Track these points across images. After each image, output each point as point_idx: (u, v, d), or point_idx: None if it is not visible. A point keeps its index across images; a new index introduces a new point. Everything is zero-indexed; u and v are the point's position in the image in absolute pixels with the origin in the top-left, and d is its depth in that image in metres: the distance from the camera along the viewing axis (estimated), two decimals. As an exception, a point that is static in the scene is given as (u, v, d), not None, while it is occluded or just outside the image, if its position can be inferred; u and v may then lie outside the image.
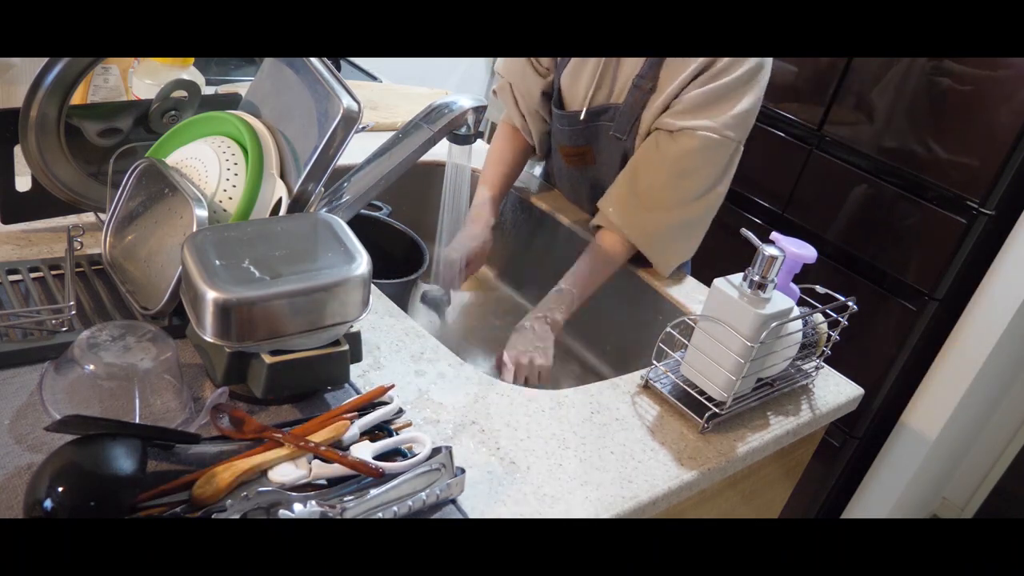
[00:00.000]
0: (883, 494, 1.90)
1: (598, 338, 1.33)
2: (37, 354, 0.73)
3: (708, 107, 1.09)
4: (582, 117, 1.19)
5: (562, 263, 1.19)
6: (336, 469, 0.66)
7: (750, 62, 1.08)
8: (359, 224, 1.00)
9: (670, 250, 1.19)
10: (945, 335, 1.72)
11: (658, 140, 1.12)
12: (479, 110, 1.05)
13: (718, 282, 0.87)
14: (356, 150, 0.92)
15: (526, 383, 1.05)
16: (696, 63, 1.09)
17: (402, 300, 1.14)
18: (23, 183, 0.89)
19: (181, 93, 0.93)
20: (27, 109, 0.83)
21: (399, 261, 1.19)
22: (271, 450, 0.66)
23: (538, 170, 1.56)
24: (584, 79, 1.20)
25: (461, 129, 1.05)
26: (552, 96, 1.27)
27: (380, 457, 0.68)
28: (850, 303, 0.97)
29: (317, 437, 0.68)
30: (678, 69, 1.10)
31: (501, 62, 1.34)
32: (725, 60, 1.08)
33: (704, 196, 1.14)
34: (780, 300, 0.86)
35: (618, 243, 1.18)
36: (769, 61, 1.12)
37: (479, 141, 1.46)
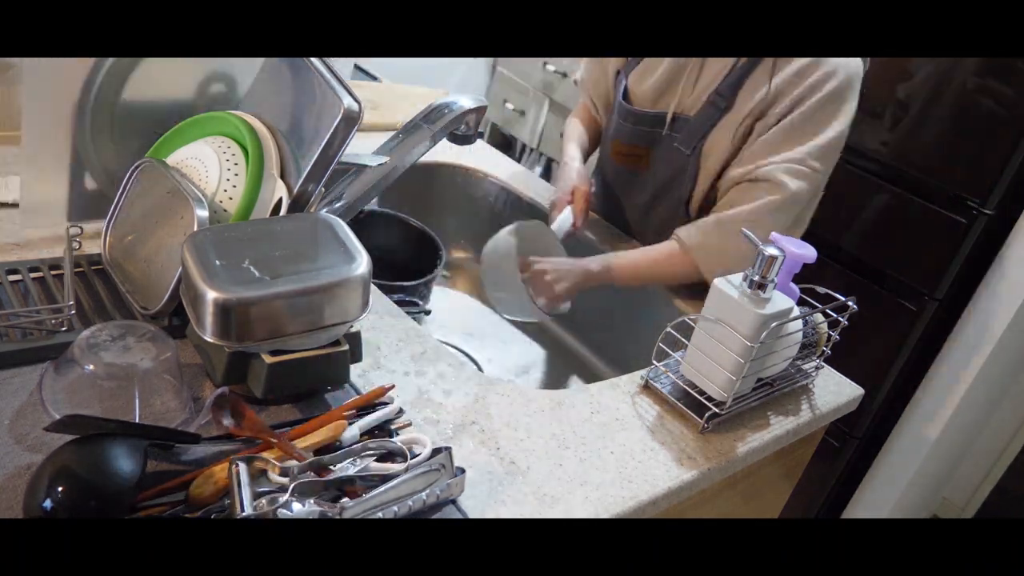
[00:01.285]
0: (883, 494, 1.90)
1: (598, 338, 1.33)
2: (37, 354, 0.72)
3: (789, 140, 1.04)
4: (668, 120, 1.15)
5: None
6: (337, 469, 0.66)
7: (833, 83, 1.03)
8: (375, 223, 1.00)
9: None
10: (945, 335, 1.72)
11: (745, 190, 1.08)
12: (479, 110, 1.05)
13: (718, 282, 0.87)
14: (356, 150, 0.92)
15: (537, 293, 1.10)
16: (774, 85, 1.04)
17: (424, 299, 1.14)
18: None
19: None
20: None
21: (415, 260, 1.19)
22: (270, 450, 0.66)
23: (537, 170, 1.56)
24: (653, 81, 1.17)
25: (460, 129, 1.05)
26: (620, 91, 1.24)
27: (379, 458, 0.68)
28: (850, 303, 0.97)
29: (316, 437, 0.68)
30: (756, 90, 1.06)
31: (584, 61, 1.37)
32: (807, 83, 1.03)
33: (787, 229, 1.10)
34: (780, 300, 0.86)
35: (690, 270, 1.11)
36: (857, 80, 1.05)
37: (479, 141, 1.46)
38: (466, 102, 1.03)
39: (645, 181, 1.24)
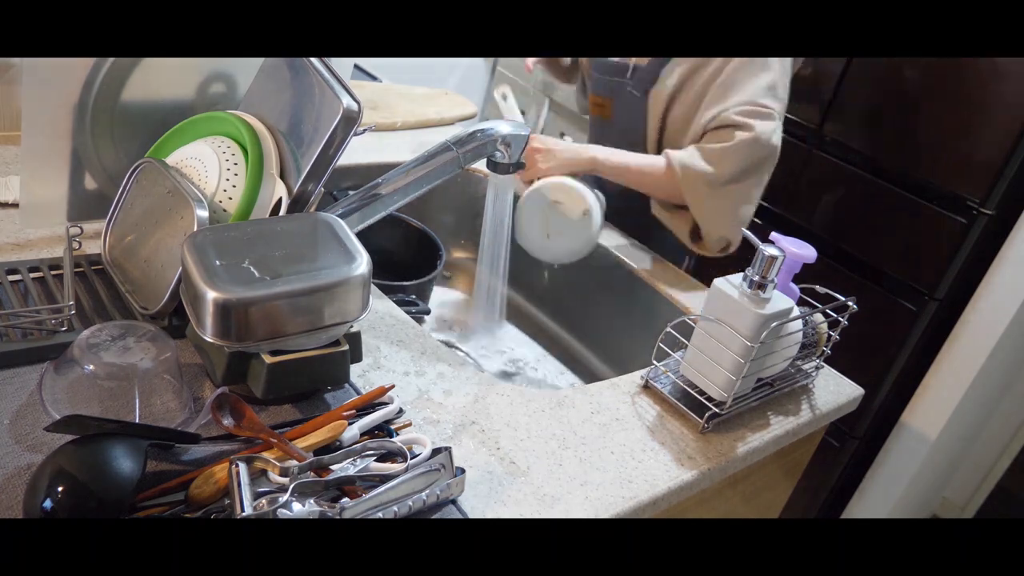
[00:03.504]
0: (883, 494, 1.90)
1: (598, 338, 1.33)
2: (37, 354, 0.72)
3: (735, 86, 1.17)
4: (631, 70, 1.28)
5: (582, 275, 1.19)
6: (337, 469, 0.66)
7: None
8: (375, 223, 1.00)
9: (728, 225, 1.25)
10: (945, 335, 1.72)
11: (718, 136, 1.19)
12: (516, 138, 0.98)
13: (718, 282, 0.87)
14: (356, 150, 0.92)
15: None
16: None
17: (424, 299, 1.14)
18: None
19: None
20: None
21: (415, 260, 1.19)
22: (270, 450, 0.66)
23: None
24: None
25: (496, 155, 1.00)
26: None
27: (379, 458, 0.68)
28: (850, 303, 0.97)
29: (316, 437, 0.68)
30: None
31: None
32: None
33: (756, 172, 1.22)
34: (780, 300, 0.86)
35: (671, 190, 1.22)
36: None
37: None
38: (503, 128, 0.97)
39: (612, 129, 1.36)
